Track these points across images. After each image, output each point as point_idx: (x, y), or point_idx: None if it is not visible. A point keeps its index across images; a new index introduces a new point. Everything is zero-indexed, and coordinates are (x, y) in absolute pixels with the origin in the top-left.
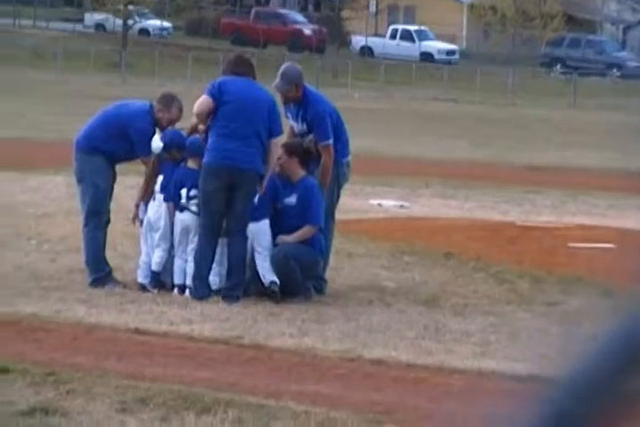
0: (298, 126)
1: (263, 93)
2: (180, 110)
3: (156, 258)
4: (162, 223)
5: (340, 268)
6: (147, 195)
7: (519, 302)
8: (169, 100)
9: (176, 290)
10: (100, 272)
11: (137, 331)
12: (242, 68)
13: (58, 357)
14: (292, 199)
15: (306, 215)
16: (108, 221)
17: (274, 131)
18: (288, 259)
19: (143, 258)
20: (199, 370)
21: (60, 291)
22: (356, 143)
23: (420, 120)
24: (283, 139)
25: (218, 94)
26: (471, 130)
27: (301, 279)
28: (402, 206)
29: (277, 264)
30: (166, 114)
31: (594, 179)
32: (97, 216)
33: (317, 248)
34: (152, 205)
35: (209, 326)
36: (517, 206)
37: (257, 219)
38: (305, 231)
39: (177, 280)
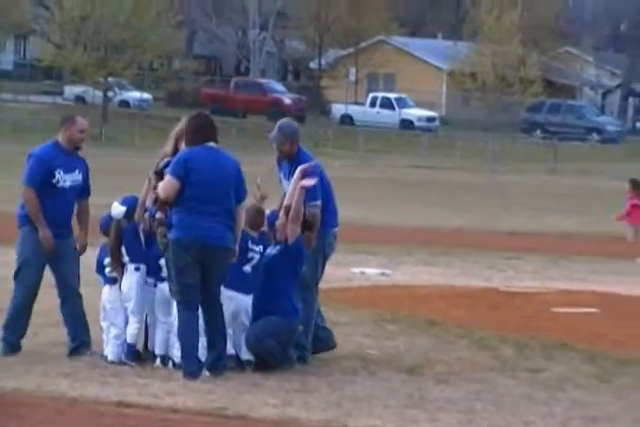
0: (289, 185)
1: (229, 161)
2: (82, 117)
3: (132, 330)
4: (133, 293)
5: None
6: (118, 263)
7: (503, 368)
8: (67, 119)
9: (158, 360)
10: (76, 341)
11: (120, 404)
12: (204, 134)
13: None
14: (273, 251)
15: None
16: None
17: (239, 196)
18: (260, 340)
19: (116, 333)
20: None
21: (43, 365)
22: None
23: (400, 188)
24: (247, 201)
25: (184, 174)
26: (452, 196)
27: (281, 353)
28: (383, 274)
29: (252, 347)
30: (72, 128)
31: (574, 244)
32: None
33: (292, 315)
34: (125, 277)
35: (192, 397)
36: (500, 272)
37: (248, 292)
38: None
39: (158, 351)
